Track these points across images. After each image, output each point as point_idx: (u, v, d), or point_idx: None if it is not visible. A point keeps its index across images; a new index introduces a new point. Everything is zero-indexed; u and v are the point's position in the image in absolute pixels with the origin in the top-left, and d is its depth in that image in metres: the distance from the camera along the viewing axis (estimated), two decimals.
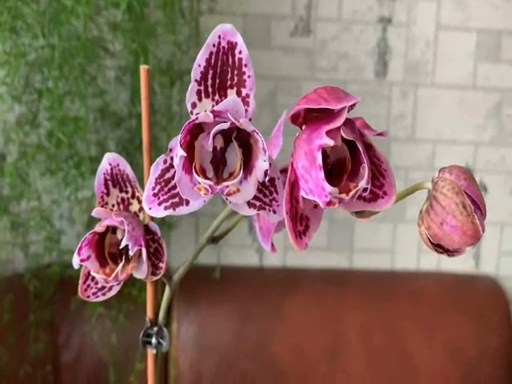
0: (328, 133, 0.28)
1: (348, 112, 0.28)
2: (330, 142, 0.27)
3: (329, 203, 0.28)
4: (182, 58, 0.98)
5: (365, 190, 0.29)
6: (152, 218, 0.42)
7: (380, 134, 0.38)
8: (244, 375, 1.06)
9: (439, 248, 0.32)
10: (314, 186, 0.28)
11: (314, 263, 1.18)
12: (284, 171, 0.35)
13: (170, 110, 0.98)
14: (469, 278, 1.18)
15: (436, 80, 1.15)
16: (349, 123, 0.28)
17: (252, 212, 0.33)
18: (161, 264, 0.40)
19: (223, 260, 1.13)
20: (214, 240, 0.42)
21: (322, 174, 0.27)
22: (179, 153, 0.30)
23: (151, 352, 0.44)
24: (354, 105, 0.28)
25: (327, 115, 0.29)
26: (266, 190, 0.33)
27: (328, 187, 0.27)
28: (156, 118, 0.98)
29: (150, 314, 0.43)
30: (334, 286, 1.12)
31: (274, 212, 0.33)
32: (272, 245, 0.44)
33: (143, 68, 0.40)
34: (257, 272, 1.17)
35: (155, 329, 0.43)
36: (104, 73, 0.94)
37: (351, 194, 0.28)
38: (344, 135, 0.28)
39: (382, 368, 1.08)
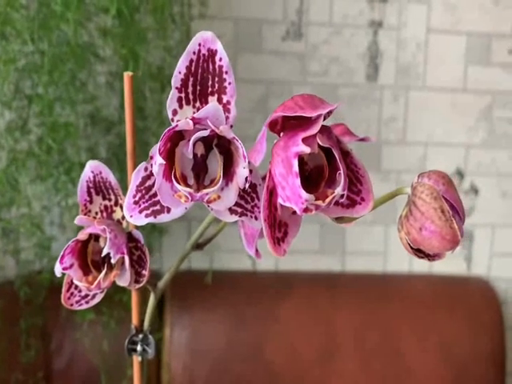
0: (304, 140, 0.28)
1: (325, 119, 0.28)
2: (306, 150, 0.27)
3: (305, 210, 0.28)
4: (173, 63, 0.98)
5: (342, 196, 0.29)
6: (136, 226, 0.42)
7: (363, 139, 0.39)
8: (238, 379, 1.06)
9: (419, 253, 0.32)
10: (291, 192, 0.28)
11: (306, 267, 1.18)
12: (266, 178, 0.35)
13: (161, 115, 0.98)
14: (461, 280, 1.18)
15: (427, 83, 1.15)
16: (325, 130, 0.28)
17: (234, 219, 0.33)
18: (144, 272, 0.40)
19: (216, 264, 1.13)
20: (199, 246, 0.42)
21: (298, 181, 0.27)
22: (158, 160, 0.30)
23: (137, 359, 0.43)
24: (330, 112, 0.28)
25: (304, 123, 0.29)
26: (248, 196, 0.33)
27: (304, 194, 0.27)
28: (146, 123, 0.97)
29: (135, 321, 0.43)
30: (326, 289, 1.12)
31: (256, 218, 0.33)
32: (256, 250, 0.44)
33: (127, 75, 0.40)
34: (250, 276, 1.17)
35: (140, 336, 0.43)
36: (94, 78, 0.94)
37: (327, 200, 0.28)
38: (320, 142, 0.28)
39: (376, 369, 1.08)
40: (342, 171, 0.28)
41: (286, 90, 1.13)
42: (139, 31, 0.91)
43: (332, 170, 0.29)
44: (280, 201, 0.29)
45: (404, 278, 1.19)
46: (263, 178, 0.34)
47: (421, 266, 1.20)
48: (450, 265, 1.20)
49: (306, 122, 0.28)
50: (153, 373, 1.06)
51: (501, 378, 1.12)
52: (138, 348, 0.43)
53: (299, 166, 0.28)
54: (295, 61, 1.12)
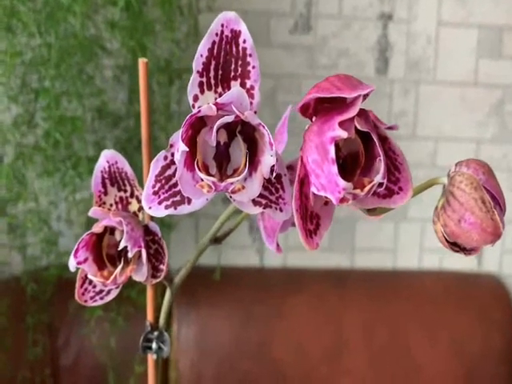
0: (341, 124, 0.26)
1: (362, 101, 0.27)
2: (344, 134, 0.26)
3: (342, 200, 0.26)
4: (181, 56, 0.96)
5: (380, 185, 0.27)
6: (152, 218, 0.40)
7: (390, 128, 0.37)
8: (245, 377, 1.05)
9: (455, 246, 0.31)
10: (327, 181, 0.26)
11: (315, 263, 1.16)
12: (290, 168, 0.33)
13: (169, 108, 0.97)
14: (471, 277, 1.17)
15: (437, 77, 1.13)
16: (363, 113, 0.27)
17: (257, 210, 0.32)
18: (161, 266, 0.38)
19: (224, 261, 1.12)
20: (217, 240, 0.41)
21: (335, 169, 0.26)
22: (181, 147, 0.28)
23: (151, 357, 0.42)
24: (367, 94, 0.26)
25: (339, 105, 0.27)
26: (272, 187, 0.32)
27: (342, 182, 0.26)
28: (155, 117, 0.96)
29: (150, 317, 0.42)
30: (335, 286, 1.11)
31: (281, 210, 0.32)
32: (277, 245, 0.43)
33: (142, 61, 0.38)
34: (257, 272, 1.15)
35: (156, 333, 0.41)
36: (102, 72, 0.93)
37: (366, 189, 0.26)
38: (358, 126, 0.26)
39: (385, 367, 1.07)
40: (382, 157, 0.26)
41: (294, 84, 1.11)
42: (147, 23, 0.90)
43: (368, 157, 0.27)
44: (314, 190, 0.27)
45: (414, 275, 1.17)
46: (288, 168, 0.32)
47: (431, 262, 1.18)
48: (460, 261, 1.18)
49: (342, 105, 0.27)
50: (160, 370, 1.04)
51: None
52: (154, 346, 0.41)
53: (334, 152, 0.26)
54: (304, 54, 1.11)
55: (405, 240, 1.18)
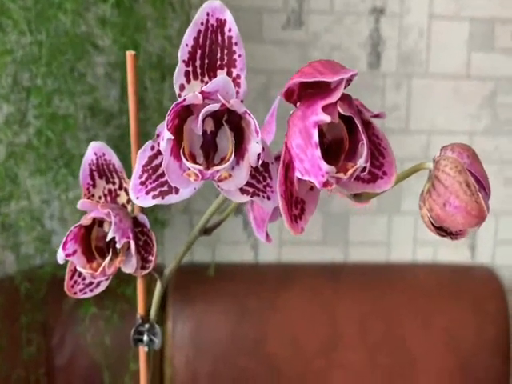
0: (324, 108, 0.26)
1: (345, 87, 0.27)
2: (327, 118, 0.26)
3: (325, 183, 0.26)
4: (173, 53, 0.96)
5: (363, 169, 0.28)
6: (142, 211, 0.40)
7: (377, 116, 0.37)
8: (241, 372, 1.05)
9: (442, 231, 0.31)
10: (310, 165, 0.26)
11: (309, 257, 1.16)
12: (279, 158, 0.33)
13: (162, 105, 0.97)
14: (465, 269, 1.17)
15: (430, 70, 1.14)
16: (346, 98, 0.27)
17: (245, 199, 0.32)
18: (150, 257, 0.38)
19: (218, 257, 1.12)
20: (207, 231, 0.41)
21: (318, 152, 0.26)
22: (166, 136, 0.28)
23: (143, 350, 0.42)
24: (351, 79, 0.27)
25: (323, 90, 0.27)
26: (260, 175, 0.32)
27: (325, 166, 0.26)
28: (148, 113, 0.96)
29: (140, 310, 0.42)
30: (329, 280, 1.11)
31: (269, 198, 0.32)
32: (267, 234, 0.43)
33: (129, 54, 0.38)
34: (252, 268, 1.15)
35: (147, 326, 0.41)
36: (93, 69, 0.93)
37: (349, 173, 0.27)
38: (341, 111, 0.26)
39: (380, 360, 1.07)
40: (364, 141, 0.26)
41: (287, 79, 1.11)
42: (138, 20, 0.90)
43: (352, 142, 0.27)
44: (298, 174, 0.27)
45: (408, 268, 1.17)
46: (275, 159, 0.32)
47: (424, 255, 1.19)
48: (453, 254, 1.19)
49: (326, 90, 0.27)
50: (155, 367, 1.05)
51: (506, 366, 1.11)
52: (145, 338, 0.41)
53: (318, 136, 0.26)
54: (296, 49, 1.11)
55: (398, 233, 1.18)
